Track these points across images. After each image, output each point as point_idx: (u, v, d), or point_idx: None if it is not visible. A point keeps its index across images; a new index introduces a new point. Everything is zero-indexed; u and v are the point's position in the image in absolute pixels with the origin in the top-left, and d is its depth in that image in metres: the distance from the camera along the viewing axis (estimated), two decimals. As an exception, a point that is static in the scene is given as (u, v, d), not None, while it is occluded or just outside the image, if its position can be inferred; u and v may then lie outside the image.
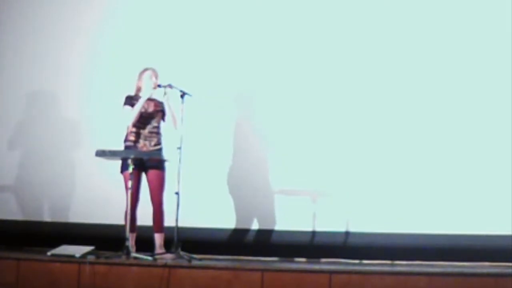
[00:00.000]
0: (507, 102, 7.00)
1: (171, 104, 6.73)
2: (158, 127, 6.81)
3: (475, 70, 7.12)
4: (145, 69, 6.86)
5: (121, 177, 6.71)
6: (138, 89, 6.83)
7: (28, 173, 8.05)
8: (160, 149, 6.75)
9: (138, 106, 6.69)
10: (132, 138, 6.75)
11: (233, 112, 7.61)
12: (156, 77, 6.80)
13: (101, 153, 6.57)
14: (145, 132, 6.75)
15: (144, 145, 6.73)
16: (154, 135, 6.77)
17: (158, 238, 6.72)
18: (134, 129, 6.74)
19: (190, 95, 6.70)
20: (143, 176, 6.75)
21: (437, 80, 7.22)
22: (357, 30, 7.43)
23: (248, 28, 7.67)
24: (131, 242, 6.52)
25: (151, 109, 6.77)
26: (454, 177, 7.09)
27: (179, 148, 6.57)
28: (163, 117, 6.83)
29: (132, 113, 6.69)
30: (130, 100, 6.76)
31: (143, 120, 6.74)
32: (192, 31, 7.78)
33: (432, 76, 7.23)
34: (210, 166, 7.53)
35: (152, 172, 6.73)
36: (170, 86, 6.68)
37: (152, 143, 6.75)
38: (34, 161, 8.06)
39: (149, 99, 6.78)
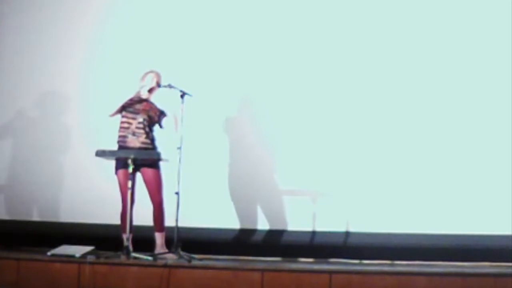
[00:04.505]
0: (507, 102, 7.01)
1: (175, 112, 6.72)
2: (144, 124, 6.71)
3: (475, 70, 7.13)
4: (149, 72, 6.83)
5: (121, 177, 6.73)
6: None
7: (28, 174, 8.04)
8: (152, 148, 6.71)
9: None
10: (121, 133, 6.73)
11: (233, 112, 7.61)
12: (157, 79, 6.79)
13: (101, 153, 6.57)
14: (132, 127, 6.71)
15: (132, 141, 6.70)
16: (141, 130, 6.70)
17: (159, 238, 6.71)
18: (122, 124, 6.71)
19: (190, 95, 6.70)
20: (139, 176, 6.71)
21: (437, 80, 7.22)
22: (356, 30, 7.43)
23: (248, 28, 7.67)
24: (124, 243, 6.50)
25: (138, 106, 6.73)
26: (454, 177, 7.10)
27: (179, 148, 6.57)
28: (158, 122, 6.75)
29: None
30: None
31: (127, 113, 6.71)
32: (192, 31, 7.78)
33: (432, 77, 7.23)
34: (210, 166, 7.53)
35: (147, 172, 6.69)
36: (170, 86, 6.68)
37: (140, 139, 6.70)
38: (34, 161, 8.04)
39: (143, 100, 6.75)
